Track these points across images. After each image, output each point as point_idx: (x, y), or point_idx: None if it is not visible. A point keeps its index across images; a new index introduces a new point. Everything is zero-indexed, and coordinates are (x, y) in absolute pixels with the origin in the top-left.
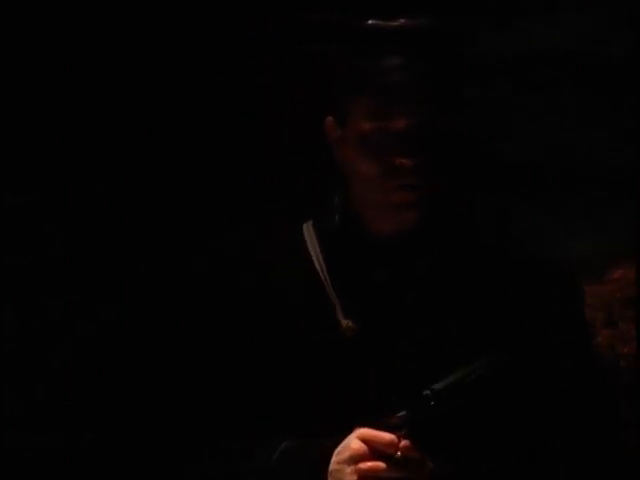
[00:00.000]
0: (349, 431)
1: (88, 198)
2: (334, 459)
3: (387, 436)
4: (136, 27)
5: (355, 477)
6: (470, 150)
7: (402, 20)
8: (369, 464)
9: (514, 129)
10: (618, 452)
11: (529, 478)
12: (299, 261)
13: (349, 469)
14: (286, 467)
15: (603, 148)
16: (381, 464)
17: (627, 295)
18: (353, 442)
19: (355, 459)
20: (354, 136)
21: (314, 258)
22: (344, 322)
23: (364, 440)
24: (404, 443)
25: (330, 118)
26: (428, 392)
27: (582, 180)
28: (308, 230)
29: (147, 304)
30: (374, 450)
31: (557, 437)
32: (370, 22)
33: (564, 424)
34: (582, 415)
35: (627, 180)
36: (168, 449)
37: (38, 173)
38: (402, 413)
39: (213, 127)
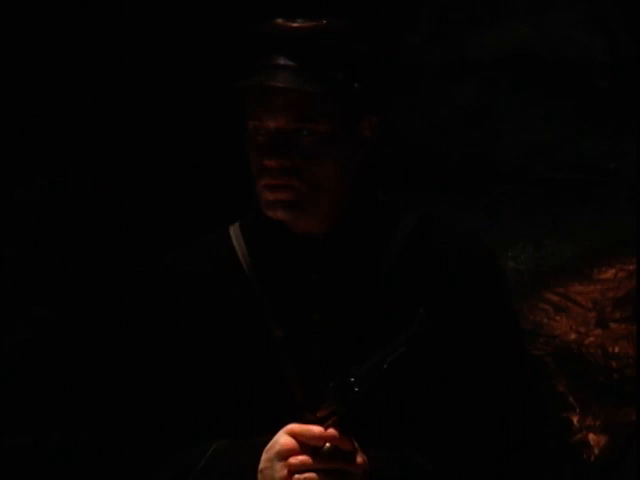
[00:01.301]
0: (280, 427)
1: (32, 203)
2: (264, 456)
3: (314, 429)
4: (134, 29)
5: (285, 472)
6: (393, 151)
7: (280, 23)
8: (299, 458)
9: (498, 130)
10: (537, 435)
11: (456, 462)
12: (228, 264)
13: (279, 465)
14: (217, 467)
15: (588, 148)
16: (310, 457)
17: (618, 295)
18: (282, 437)
19: (285, 454)
20: (247, 134)
21: (241, 260)
22: (273, 324)
23: (292, 435)
24: (331, 434)
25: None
26: (351, 379)
27: (567, 181)
28: (235, 232)
29: (92, 308)
30: (303, 444)
31: (478, 420)
32: (252, 24)
33: (485, 408)
34: (501, 398)
35: (615, 180)
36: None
37: None
38: (327, 404)
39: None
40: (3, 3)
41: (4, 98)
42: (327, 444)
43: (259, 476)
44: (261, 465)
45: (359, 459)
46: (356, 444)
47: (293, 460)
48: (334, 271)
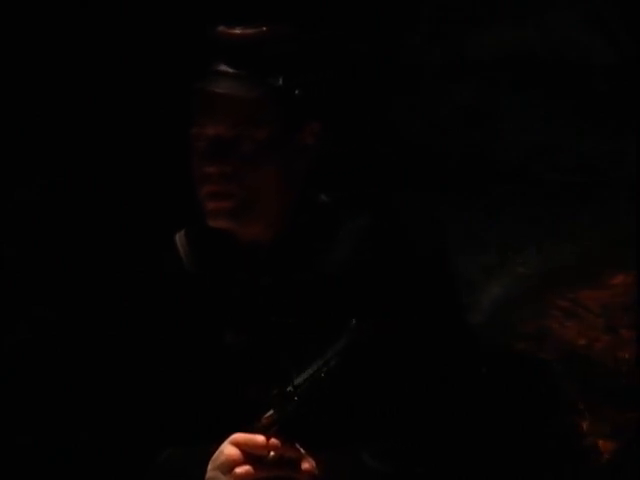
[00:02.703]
0: (225, 437)
1: (32, 203)
2: (210, 466)
3: (258, 438)
4: (132, 28)
5: None
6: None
7: (222, 30)
8: (244, 468)
9: (498, 130)
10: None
11: (404, 460)
12: (175, 272)
13: (225, 476)
14: (166, 476)
15: (588, 148)
16: (254, 467)
17: (627, 301)
18: (226, 448)
19: (230, 464)
20: (189, 143)
21: (187, 268)
22: (222, 330)
23: (237, 445)
24: (274, 442)
25: None
26: (290, 388)
27: (573, 183)
28: (180, 240)
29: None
30: (248, 453)
31: (421, 417)
32: (199, 30)
33: (427, 405)
34: (446, 394)
35: (615, 181)
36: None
37: None
38: (270, 413)
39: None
40: (3, 3)
41: (4, 98)
42: (272, 453)
43: None
44: (208, 475)
45: (306, 465)
46: (302, 450)
47: (238, 470)
48: (280, 277)
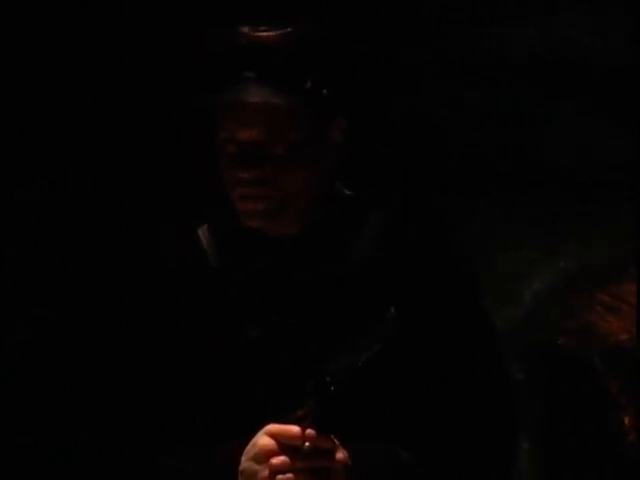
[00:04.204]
0: (258, 428)
1: (32, 203)
2: (244, 458)
3: (293, 428)
4: (135, 28)
5: (266, 473)
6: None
7: (245, 32)
8: (280, 458)
9: (498, 130)
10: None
11: (435, 455)
12: (198, 266)
13: (260, 465)
14: (197, 470)
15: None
16: (290, 457)
17: None
18: (261, 438)
19: (265, 455)
20: (218, 145)
21: (211, 262)
22: (246, 324)
23: (271, 435)
24: (309, 433)
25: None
26: (326, 378)
27: (568, 181)
28: (204, 234)
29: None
30: (282, 444)
31: (453, 413)
32: (223, 33)
33: (458, 402)
34: (473, 392)
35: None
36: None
37: None
38: (305, 403)
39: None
40: (3, 3)
41: (4, 98)
42: (306, 443)
43: (240, 477)
44: (242, 466)
45: (340, 455)
46: (336, 441)
47: (274, 461)
48: (305, 272)
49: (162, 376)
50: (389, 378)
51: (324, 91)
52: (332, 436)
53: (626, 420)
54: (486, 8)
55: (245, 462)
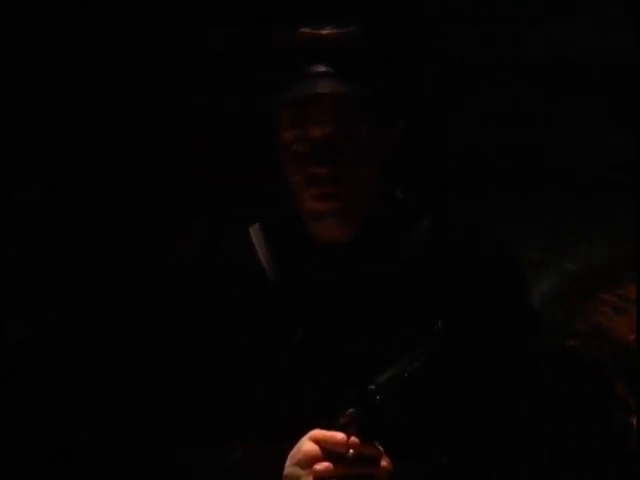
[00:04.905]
0: (302, 433)
1: (32, 203)
2: (288, 462)
3: (338, 435)
4: (135, 28)
5: (310, 478)
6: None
7: (320, 31)
8: (323, 464)
9: (498, 130)
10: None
11: (478, 466)
12: (249, 265)
13: (304, 471)
14: (241, 473)
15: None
16: (334, 463)
17: None
18: (305, 444)
19: (308, 460)
20: (282, 144)
21: (262, 262)
22: (293, 326)
23: (316, 441)
24: (353, 441)
25: (276, 124)
26: (372, 387)
27: (568, 181)
28: (255, 232)
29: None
30: (326, 450)
31: (497, 426)
32: (288, 33)
33: (505, 414)
34: (519, 405)
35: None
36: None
37: None
38: (350, 411)
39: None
40: (3, 3)
41: (4, 98)
42: (350, 451)
43: None
44: (286, 471)
45: (384, 463)
46: (380, 448)
47: (318, 467)
48: (354, 276)
49: (205, 375)
50: (435, 389)
51: (393, 87)
52: (377, 444)
53: (634, 421)
54: (486, 8)
55: (289, 467)
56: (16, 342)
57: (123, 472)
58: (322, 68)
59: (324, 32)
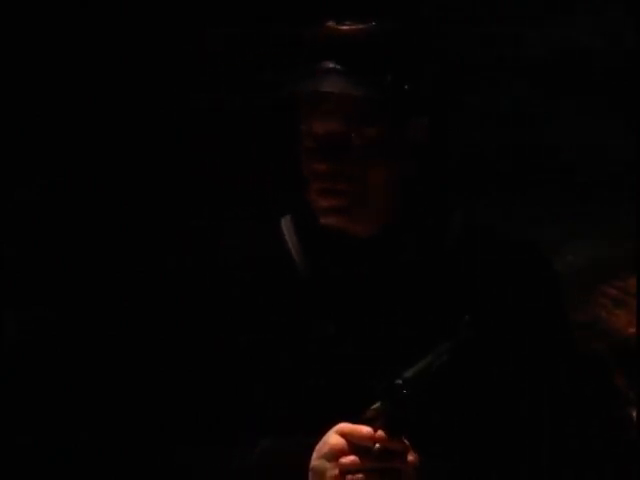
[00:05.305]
0: (329, 426)
1: (32, 203)
2: (314, 455)
3: (364, 429)
4: (135, 29)
5: (336, 471)
6: (445, 156)
7: (330, 26)
8: (349, 458)
9: (498, 130)
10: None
11: (507, 464)
12: (280, 257)
13: (330, 464)
14: (267, 466)
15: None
16: (360, 457)
17: None
18: (332, 437)
19: (335, 454)
20: (300, 138)
21: (294, 255)
22: (323, 320)
23: (342, 434)
24: (380, 435)
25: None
26: (399, 381)
27: (568, 180)
28: (286, 225)
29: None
30: (353, 443)
31: (525, 424)
32: (302, 29)
33: (533, 414)
34: (550, 404)
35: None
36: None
37: None
38: (377, 405)
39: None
40: (3, 3)
41: (4, 98)
42: (376, 445)
43: (310, 474)
44: (312, 464)
45: (410, 457)
46: (407, 443)
47: (344, 460)
48: (384, 272)
49: (234, 369)
50: (462, 384)
51: (405, 87)
52: (404, 438)
53: (634, 414)
54: (486, 8)
55: (316, 460)
56: (16, 342)
57: (123, 472)
58: (332, 65)
59: (343, 28)
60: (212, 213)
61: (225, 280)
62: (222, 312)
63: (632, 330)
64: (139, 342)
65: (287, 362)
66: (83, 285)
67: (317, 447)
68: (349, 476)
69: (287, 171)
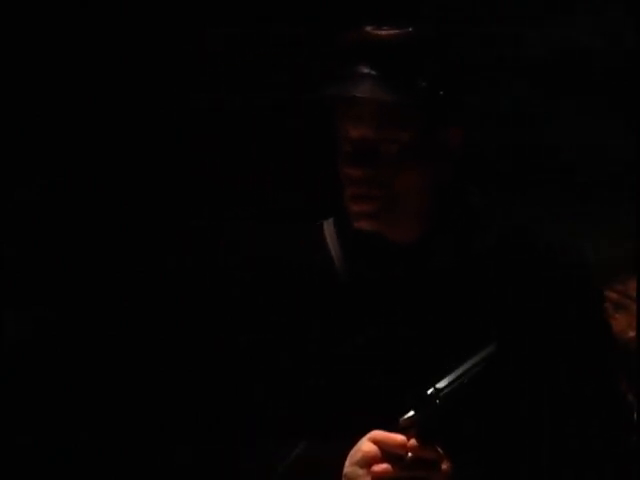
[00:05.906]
0: (362, 434)
1: (32, 203)
2: (347, 462)
3: (397, 437)
4: (135, 29)
5: (369, 479)
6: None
7: (368, 31)
8: (382, 466)
9: (498, 130)
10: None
11: (538, 473)
12: (320, 259)
13: (362, 471)
14: (300, 471)
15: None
16: (393, 465)
17: None
18: (365, 444)
19: (368, 461)
20: (338, 143)
21: (334, 256)
22: (358, 326)
23: (375, 442)
24: (413, 443)
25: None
26: (432, 391)
27: (568, 180)
28: (329, 228)
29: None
30: (386, 452)
31: (561, 434)
32: (337, 34)
33: (568, 423)
34: (584, 416)
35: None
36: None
37: None
38: (410, 414)
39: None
40: (3, 3)
41: (4, 98)
42: (409, 453)
43: None
44: (345, 470)
45: (444, 467)
46: (440, 452)
47: (376, 468)
48: (421, 279)
49: (266, 370)
50: (495, 393)
51: (440, 93)
52: (437, 447)
53: (634, 417)
54: (486, 8)
55: (349, 466)
56: (16, 342)
57: (123, 472)
58: (367, 70)
59: (380, 33)
60: (212, 213)
61: (225, 280)
62: (226, 312)
63: (632, 333)
64: (139, 342)
65: (323, 367)
66: (83, 285)
67: (350, 453)
68: None
69: (329, 176)
